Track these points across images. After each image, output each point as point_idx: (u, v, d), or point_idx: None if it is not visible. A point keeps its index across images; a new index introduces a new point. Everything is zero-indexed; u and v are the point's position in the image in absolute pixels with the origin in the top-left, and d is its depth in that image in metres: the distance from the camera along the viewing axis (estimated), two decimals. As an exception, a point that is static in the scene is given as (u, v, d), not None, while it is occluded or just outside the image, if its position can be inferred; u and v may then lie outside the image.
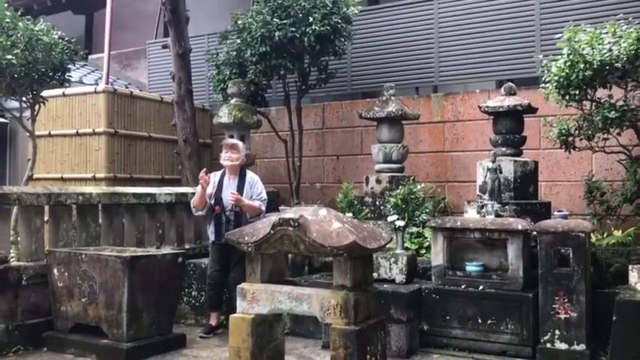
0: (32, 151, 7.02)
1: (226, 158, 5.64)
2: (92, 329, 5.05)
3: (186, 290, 6.19)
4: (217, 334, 5.66)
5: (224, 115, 7.24)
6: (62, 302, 5.18)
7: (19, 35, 6.28)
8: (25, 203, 5.30)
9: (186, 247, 6.59)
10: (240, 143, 5.86)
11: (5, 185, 6.92)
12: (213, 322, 5.74)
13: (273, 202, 7.50)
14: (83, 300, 5.06)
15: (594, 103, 5.27)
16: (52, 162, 8.14)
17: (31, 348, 5.14)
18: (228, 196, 5.49)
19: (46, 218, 5.61)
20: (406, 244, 5.78)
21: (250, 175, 5.73)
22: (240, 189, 5.56)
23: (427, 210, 5.68)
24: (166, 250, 5.94)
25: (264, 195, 5.65)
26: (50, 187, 6.19)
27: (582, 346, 4.60)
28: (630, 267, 4.75)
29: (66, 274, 5.15)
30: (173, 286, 5.34)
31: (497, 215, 5.28)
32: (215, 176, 5.71)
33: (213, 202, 5.59)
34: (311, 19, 6.67)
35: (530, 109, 5.98)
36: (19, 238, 5.68)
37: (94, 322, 5.03)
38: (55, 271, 5.20)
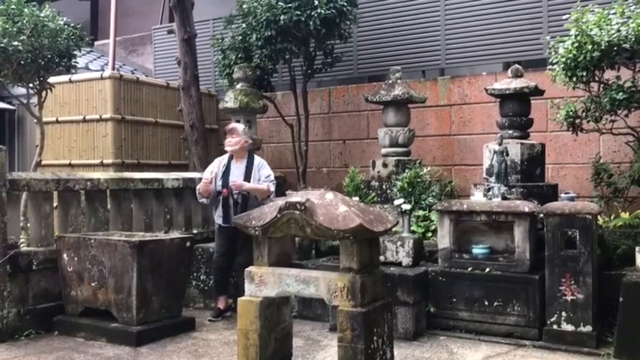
0: (40, 138, 7.06)
1: (227, 144, 5.67)
2: (102, 313, 5.11)
3: (195, 274, 6.24)
4: (226, 317, 5.71)
5: (230, 100, 7.25)
6: (72, 287, 5.24)
7: (24, 21, 6.29)
8: (34, 189, 5.34)
9: (194, 231, 6.64)
10: (239, 126, 5.81)
11: (14, 171, 6.96)
12: (221, 305, 5.79)
13: (280, 187, 7.53)
14: (93, 284, 5.11)
15: (602, 85, 5.23)
16: (59, 148, 8.18)
17: (43, 332, 5.22)
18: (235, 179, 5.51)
19: (55, 204, 5.66)
20: (413, 228, 5.79)
21: (258, 160, 5.72)
22: (247, 172, 5.57)
23: (433, 193, 5.68)
24: (174, 234, 5.99)
25: (272, 177, 5.64)
26: (59, 173, 6.23)
27: (589, 328, 4.61)
28: (637, 249, 4.74)
29: (75, 258, 5.20)
30: (182, 270, 5.39)
31: (504, 198, 5.28)
32: (222, 159, 5.73)
33: (220, 184, 5.59)
34: (316, 2, 6.63)
35: (538, 92, 5.94)
36: (28, 224, 5.73)
37: (103, 306, 5.09)
38: (65, 256, 5.26)
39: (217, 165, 5.69)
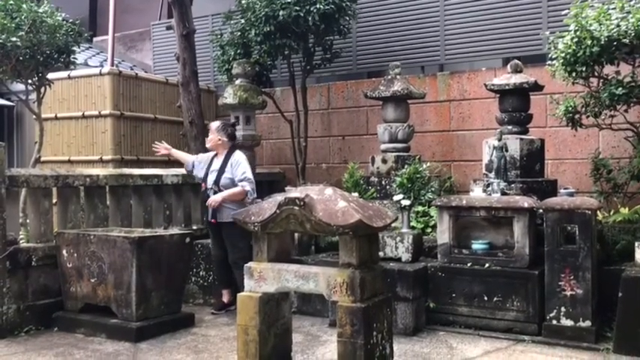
0: (39, 134, 7.05)
1: None
2: (101, 309, 5.12)
3: (194, 270, 6.25)
4: (231, 310, 5.65)
5: (229, 96, 7.23)
6: (72, 283, 5.24)
7: (23, 17, 6.27)
8: (33, 185, 5.34)
9: (194, 227, 6.63)
10: (213, 124, 5.86)
11: (13, 168, 6.94)
12: (225, 298, 5.82)
13: (280, 183, 7.54)
14: (92, 280, 5.11)
15: (601, 80, 5.23)
16: (59, 144, 8.17)
17: (42, 328, 5.22)
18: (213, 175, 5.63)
19: (54, 200, 5.66)
20: (412, 223, 5.79)
21: (235, 157, 5.63)
22: (222, 168, 5.60)
23: (433, 189, 5.68)
24: (174, 230, 5.99)
25: (248, 175, 5.53)
26: (58, 169, 6.23)
27: (588, 323, 4.62)
28: (636, 244, 4.76)
29: (75, 255, 5.20)
30: (181, 266, 5.39)
31: (504, 193, 5.28)
32: (212, 153, 5.79)
33: (202, 178, 5.70)
34: (315, -3, 6.62)
35: (537, 87, 5.94)
36: (28, 220, 5.73)
37: (103, 302, 5.09)
38: (64, 252, 5.26)
39: (205, 156, 5.82)
